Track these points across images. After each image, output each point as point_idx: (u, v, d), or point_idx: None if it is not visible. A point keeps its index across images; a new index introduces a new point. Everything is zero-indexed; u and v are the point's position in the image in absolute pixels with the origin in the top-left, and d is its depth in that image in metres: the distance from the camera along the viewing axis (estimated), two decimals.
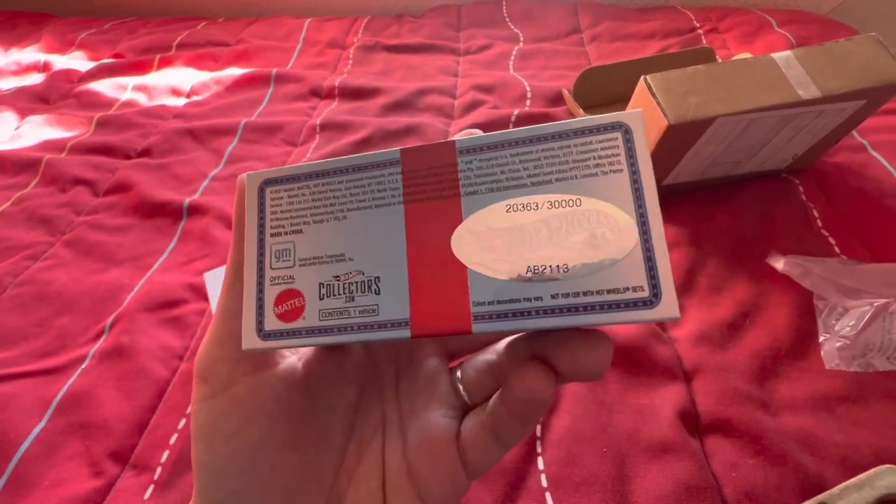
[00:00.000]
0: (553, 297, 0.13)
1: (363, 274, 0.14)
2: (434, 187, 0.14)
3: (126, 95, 0.81)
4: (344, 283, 0.14)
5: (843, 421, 0.36)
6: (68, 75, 0.86)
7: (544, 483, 0.35)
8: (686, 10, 0.88)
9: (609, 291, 0.13)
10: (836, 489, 0.32)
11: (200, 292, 0.50)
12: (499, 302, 0.13)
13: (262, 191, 0.16)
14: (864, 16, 0.90)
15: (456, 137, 0.15)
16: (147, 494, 0.37)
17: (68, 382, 0.43)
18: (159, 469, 0.38)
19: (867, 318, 0.38)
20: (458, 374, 0.19)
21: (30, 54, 0.94)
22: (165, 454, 0.38)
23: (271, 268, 0.15)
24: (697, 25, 0.83)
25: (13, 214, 0.60)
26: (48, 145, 0.71)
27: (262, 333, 0.15)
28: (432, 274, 0.14)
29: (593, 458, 0.35)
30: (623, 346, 0.41)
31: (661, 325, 0.44)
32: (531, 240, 0.13)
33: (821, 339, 0.40)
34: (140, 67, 0.88)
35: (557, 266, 0.13)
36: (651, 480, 0.34)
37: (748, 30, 0.79)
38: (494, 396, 0.16)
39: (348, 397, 0.19)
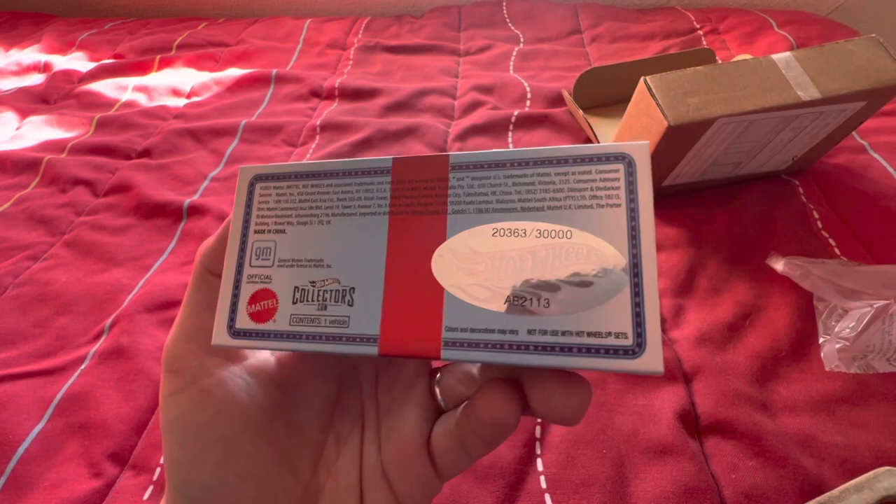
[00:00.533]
0: (530, 332, 0.12)
1: (339, 283, 0.14)
2: (422, 201, 0.14)
3: (126, 96, 0.81)
4: (319, 290, 0.14)
5: (843, 423, 0.36)
6: (69, 76, 0.87)
7: (544, 485, 0.35)
8: (686, 10, 0.88)
9: (590, 334, 0.12)
10: (835, 491, 0.32)
11: None
12: (472, 330, 0.13)
13: (251, 185, 0.16)
14: (865, 17, 0.90)
15: (450, 152, 0.14)
16: (146, 495, 0.37)
17: (68, 383, 0.43)
18: (158, 470, 0.38)
19: (867, 319, 0.38)
20: (438, 376, 0.19)
21: (30, 55, 0.94)
22: None
23: (250, 265, 0.15)
24: (698, 26, 0.83)
25: (14, 214, 0.61)
26: (48, 146, 0.71)
27: (233, 331, 0.15)
28: (408, 291, 0.13)
29: (593, 460, 0.35)
30: None
31: (661, 326, 0.44)
32: (514, 268, 0.13)
33: (821, 340, 0.40)
34: (140, 68, 0.88)
35: (538, 299, 0.12)
36: (650, 482, 0.34)
37: (748, 31, 0.79)
38: (462, 408, 0.16)
39: (325, 392, 0.19)
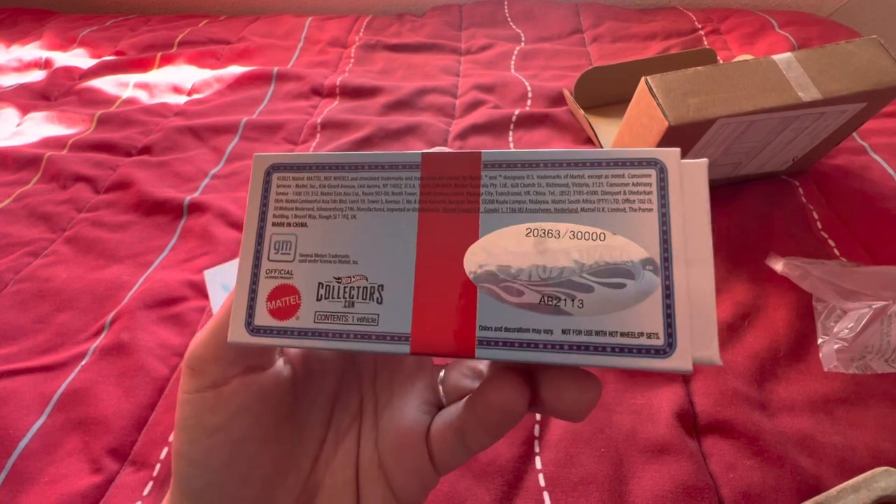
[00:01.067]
0: (564, 332, 0.12)
1: (367, 279, 0.14)
2: (452, 198, 0.14)
3: (127, 93, 0.81)
4: (345, 287, 0.14)
5: (840, 423, 0.36)
6: (70, 72, 0.86)
7: (542, 483, 0.35)
8: (688, 10, 0.88)
9: (623, 334, 0.12)
10: (833, 491, 0.32)
11: (200, 290, 0.50)
12: (507, 329, 0.13)
13: (268, 175, 0.15)
14: (866, 18, 0.90)
15: (482, 150, 0.14)
16: (146, 491, 0.37)
17: (68, 379, 0.43)
18: (158, 466, 0.38)
19: (866, 320, 0.38)
20: (441, 374, 0.19)
21: (31, 51, 0.94)
22: (164, 451, 0.39)
23: (269, 259, 0.14)
24: (699, 26, 0.83)
25: (14, 211, 0.61)
26: (49, 142, 0.71)
27: (251, 328, 0.14)
28: (440, 289, 0.13)
29: (591, 459, 0.36)
30: None
31: None
32: (548, 269, 0.13)
33: (819, 341, 0.40)
34: (141, 65, 0.88)
35: (573, 300, 0.13)
36: (649, 481, 0.34)
37: (750, 31, 0.79)
38: (465, 400, 0.16)
39: (327, 389, 0.19)
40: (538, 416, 0.38)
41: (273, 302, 0.14)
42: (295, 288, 0.14)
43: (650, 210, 0.13)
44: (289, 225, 0.14)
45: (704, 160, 0.13)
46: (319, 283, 0.14)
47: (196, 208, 0.59)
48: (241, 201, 0.60)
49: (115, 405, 0.41)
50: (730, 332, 0.42)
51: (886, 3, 0.90)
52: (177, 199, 0.60)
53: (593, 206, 0.13)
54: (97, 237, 0.56)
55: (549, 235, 0.13)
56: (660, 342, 0.12)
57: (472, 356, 0.13)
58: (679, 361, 0.12)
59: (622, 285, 0.12)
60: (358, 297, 0.13)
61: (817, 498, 0.32)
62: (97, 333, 0.47)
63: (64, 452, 0.39)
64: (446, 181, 0.14)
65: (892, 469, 0.33)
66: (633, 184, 0.13)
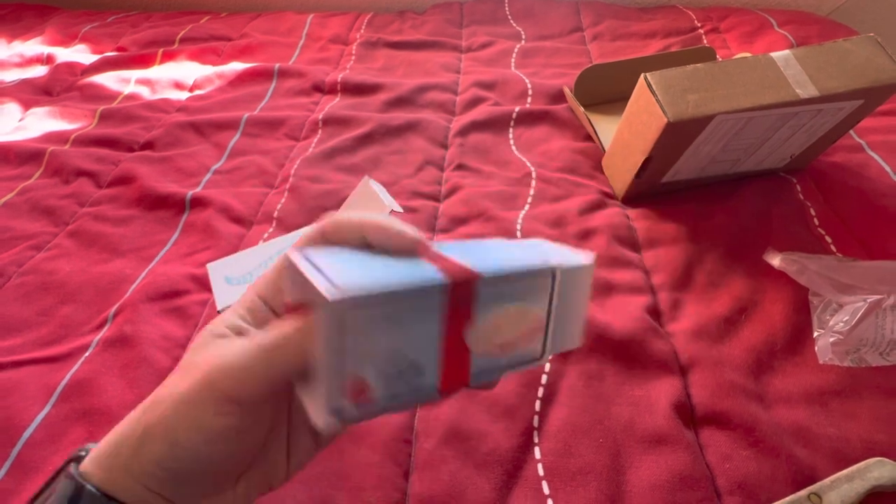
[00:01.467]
0: (508, 361, 0.22)
1: (414, 365, 0.19)
2: (460, 303, 0.20)
3: (129, 89, 0.82)
4: (401, 370, 0.19)
5: (835, 414, 0.37)
6: (71, 68, 0.87)
7: (541, 472, 0.35)
8: (687, 9, 0.88)
9: (529, 361, 0.23)
10: (827, 480, 0.33)
11: (203, 283, 0.51)
12: (484, 371, 0.21)
13: (341, 314, 0.17)
14: (864, 17, 0.90)
15: (481, 272, 0.20)
16: None
17: (72, 370, 0.43)
18: None
19: (861, 313, 0.39)
20: None
21: (33, 47, 0.95)
22: None
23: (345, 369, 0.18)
24: (699, 25, 0.84)
25: (17, 205, 0.61)
26: (52, 137, 0.71)
27: (334, 411, 0.18)
28: (453, 357, 0.20)
29: (589, 449, 0.36)
30: (620, 340, 0.41)
31: (658, 319, 0.44)
32: (504, 334, 0.21)
33: (815, 334, 0.41)
34: (143, 61, 0.88)
35: (512, 346, 0.22)
36: (646, 471, 0.35)
37: (749, 30, 0.79)
38: None
39: None
40: (537, 408, 0.39)
41: (351, 392, 0.18)
42: (368, 382, 0.18)
43: (546, 300, 0.22)
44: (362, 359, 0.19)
45: (591, 256, 0.23)
46: (383, 372, 0.19)
47: (198, 203, 0.59)
48: (243, 196, 0.60)
49: (119, 396, 0.41)
50: (727, 325, 0.43)
51: (885, 2, 0.90)
52: (179, 193, 0.60)
53: (526, 296, 0.22)
54: (100, 231, 0.57)
55: (507, 315, 0.21)
56: (539, 356, 0.23)
57: (468, 386, 0.21)
58: (544, 361, 0.23)
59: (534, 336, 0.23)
60: (410, 375, 0.19)
61: (812, 487, 0.32)
62: (100, 326, 0.47)
63: (68, 442, 0.39)
64: (458, 296, 0.20)
65: (886, 459, 0.33)
66: (540, 284, 0.22)
